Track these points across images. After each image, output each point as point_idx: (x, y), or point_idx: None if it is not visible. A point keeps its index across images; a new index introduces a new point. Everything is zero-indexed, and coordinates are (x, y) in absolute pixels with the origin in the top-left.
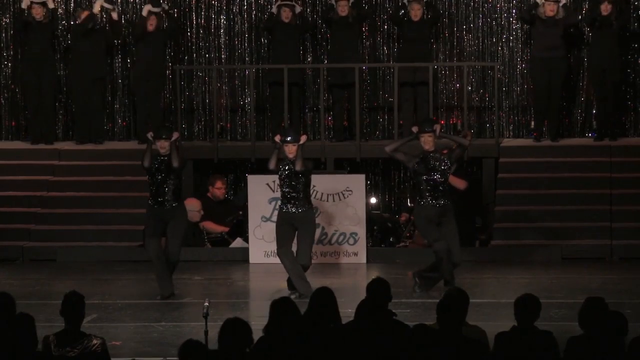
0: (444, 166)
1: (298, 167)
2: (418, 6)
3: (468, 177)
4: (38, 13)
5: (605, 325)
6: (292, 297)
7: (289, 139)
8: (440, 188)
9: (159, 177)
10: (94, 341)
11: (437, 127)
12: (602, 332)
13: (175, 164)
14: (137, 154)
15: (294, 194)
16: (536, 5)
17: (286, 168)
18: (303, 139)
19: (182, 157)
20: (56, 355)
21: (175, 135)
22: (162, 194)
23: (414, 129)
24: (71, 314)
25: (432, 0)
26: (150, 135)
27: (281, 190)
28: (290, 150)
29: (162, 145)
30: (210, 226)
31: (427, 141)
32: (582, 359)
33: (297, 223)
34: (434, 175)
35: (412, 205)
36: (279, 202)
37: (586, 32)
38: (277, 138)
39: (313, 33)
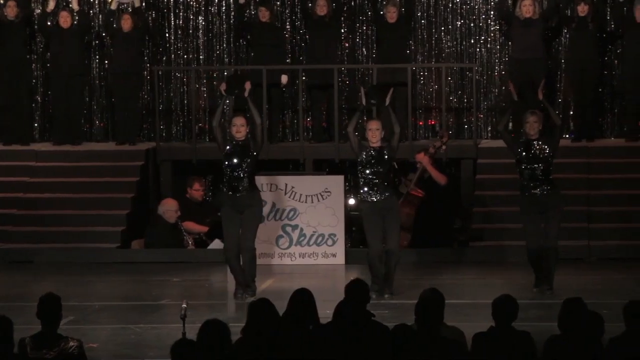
0: (545, 154)
1: (397, 129)
2: (394, 9)
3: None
4: (12, 13)
5: (583, 325)
6: (387, 296)
7: (373, 102)
8: (540, 177)
9: (235, 161)
10: (71, 343)
11: (541, 85)
12: (580, 332)
13: (257, 120)
14: (115, 155)
15: (376, 180)
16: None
17: (369, 153)
18: (388, 98)
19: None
20: (32, 358)
21: (248, 86)
22: (237, 179)
23: (511, 87)
24: (48, 316)
25: None
26: (222, 89)
27: (362, 177)
28: (374, 134)
29: (238, 130)
30: (191, 226)
31: (532, 126)
32: (559, 359)
33: (383, 212)
34: (534, 164)
35: None
36: (361, 192)
37: (564, 34)
38: (363, 98)
39: (291, 33)
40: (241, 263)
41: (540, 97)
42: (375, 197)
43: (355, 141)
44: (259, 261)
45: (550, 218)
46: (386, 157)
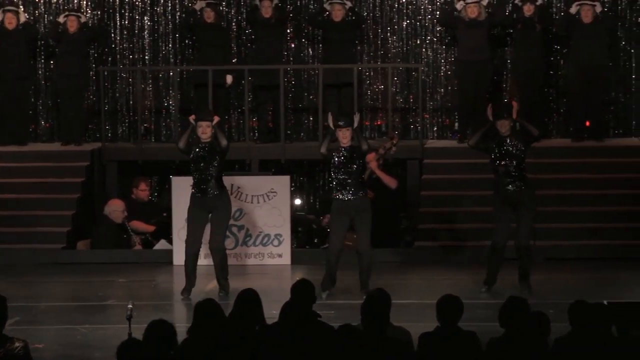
0: (517, 151)
1: (365, 147)
2: (339, 7)
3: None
4: None
5: (527, 325)
6: (324, 296)
7: (341, 123)
8: (513, 173)
9: (202, 164)
10: (16, 344)
11: (515, 105)
12: (524, 332)
13: (223, 142)
14: (60, 155)
15: (349, 180)
16: (454, 9)
17: (341, 154)
18: (356, 120)
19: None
20: None
21: (216, 119)
22: (205, 181)
23: (489, 112)
24: None
25: (355, 6)
26: (192, 118)
27: (335, 178)
28: (345, 135)
29: (204, 131)
30: (137, 225)
31: (503, 124)
32: (502, 358)
33: (353, 211)
34: (507, 160)
35: None
36: (334, 191)
37: (509, 34)
38: (330, 122)
39: (237, 34)
40: (213, 263)
41: (516, 117)
42: (347, 197)
43: (329, 155)
44: (204, 261)
45: (523, 216)
46: (356, 155)
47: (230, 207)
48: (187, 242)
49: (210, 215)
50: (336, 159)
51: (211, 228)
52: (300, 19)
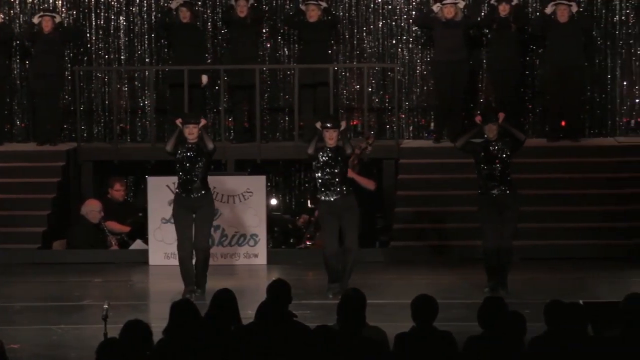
0: (503, 155)
1: (349, 150)
2: (314, 7)
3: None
4: None
5: (504, 324)
6: (331, 296)
7: (329, 125)
8: (497, 177)
9: (187, 165)
10: None
11: (501, 116)
12: (501, 331)
13: (209, 145)
14: (36, 155)
15: (332, 181)
16: (430, 10)
17: (325, 155)
18: (343, 124)
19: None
20: None
21: (203, 122)
22: (190, 182)
23: (478, 120)
24: None
25: (330, 6)
26: (179, 121)
27: (320, 179)
28: (331, 136)
29: (191, 132)
30: (113, 226)
31: (491, 129)
32: (479, 358)
33: (341, 210)
34: (492, 164)
35: (313, 206)
36: (319, 192)
37: (485, 34)
38: (318, 125)
39: (213, 34)
40: (193, 261)
41: (501, 123)
42: (332, 197)
43: (316, 156)
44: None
45: (507, 219)
46: (340, 157)
47: (214, 207)
48: (178, 247)
49: (194, 215)
50: (321, 159)
51: (195, 227)
52: (276, 18)
